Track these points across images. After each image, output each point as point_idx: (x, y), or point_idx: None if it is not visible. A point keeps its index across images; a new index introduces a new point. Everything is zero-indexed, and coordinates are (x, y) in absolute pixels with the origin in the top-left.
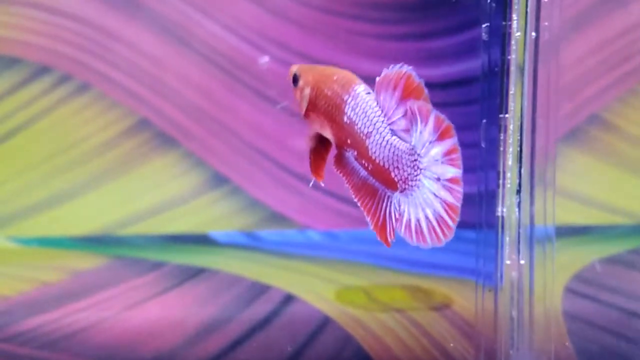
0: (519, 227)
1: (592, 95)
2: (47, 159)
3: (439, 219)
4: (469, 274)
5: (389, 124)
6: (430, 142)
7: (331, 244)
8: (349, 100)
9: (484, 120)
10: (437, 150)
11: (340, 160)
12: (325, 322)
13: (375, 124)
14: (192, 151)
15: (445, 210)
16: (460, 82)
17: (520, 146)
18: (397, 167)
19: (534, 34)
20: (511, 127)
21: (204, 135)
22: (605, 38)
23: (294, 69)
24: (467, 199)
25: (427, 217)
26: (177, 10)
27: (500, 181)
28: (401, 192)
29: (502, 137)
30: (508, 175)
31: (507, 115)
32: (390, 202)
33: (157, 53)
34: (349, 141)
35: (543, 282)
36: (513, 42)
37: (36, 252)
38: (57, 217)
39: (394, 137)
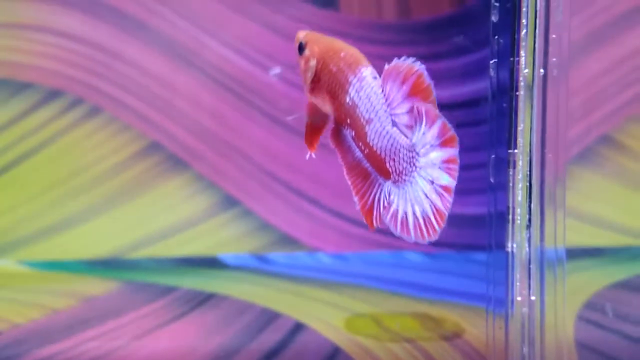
0: (529, 264)
1: (602, 115)
2: (58, 183)
3: (426, 219)
4: (479, 301)
5: (391, 115)
6: (432, 146)
7: (341, 267)
8: (354, 82)
9: (493, 156)
10: (437, 154)
11: (337, 135)
12: (335, 353)
13: (377, 112)
14: (202, 174)
15: (433, 213)
16: (466, 103)
17: (530, 181)
18: (394, 159)
19: (542, 70)
20: (520, 163)
21: (214, 157)
22: (616, 59)
23: (301, 35)
24: (476, 221)
25: (414, 214)
26: (188, 33)
27: (510, 217)
28: (393, 182)
29: (511, 173)
30: (518, 211)
31: (516, 151)
32: (381, 190)
33: (167, 76)
34: (348, 121)
35: (554, 311)
36: (521, 78)
37: (46, 276)
38: (68, 241)
39: (395, 129)
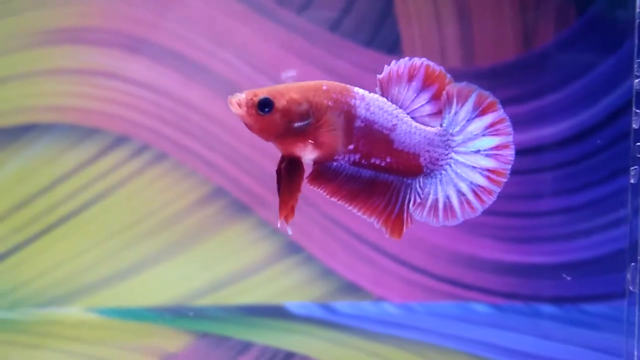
0: None
1: None
2: (124, 229)
3: (477, 189)
4: None
5: (409, 113)
6: (468, 120)
7: (407, 319)
8: (357, 103)
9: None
10: (476, 125)
11: (320, 176)
12: None
13: (397, 116)
14: (266, 219)
15: (487, 177)
16: (530, 150)
17: None
18: (428, 150)
19: None
20: None
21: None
22: None
23: (253, 94)
24: (542, 271)
25: (459, 191)
26: (249, 78)
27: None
28: (426, 175)
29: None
30: None
31: None
32: (410, 189)
33: (230, 122)
34: (351, 147)
35: None
36: None
37: (116, 325)
38: (134, 287)
39: (418, 124)
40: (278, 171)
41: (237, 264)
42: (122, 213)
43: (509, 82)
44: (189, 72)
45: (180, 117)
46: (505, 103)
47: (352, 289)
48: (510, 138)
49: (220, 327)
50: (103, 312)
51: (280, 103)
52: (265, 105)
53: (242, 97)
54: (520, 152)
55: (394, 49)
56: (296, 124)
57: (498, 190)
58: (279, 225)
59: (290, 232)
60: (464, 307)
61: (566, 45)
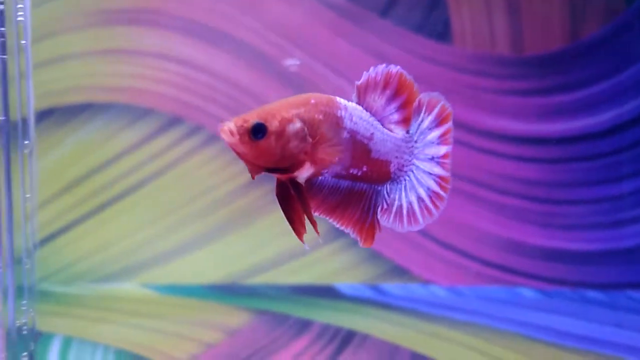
0: None
1: None
2: (176, 208)
3: (432, 195)
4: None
5: (380, 120)
6: (430, 129)
7: (457, 301)
8: (344, 114)
9: None
10: (434, 134)
11: (307, 192)
12: None
13: (373, 125)
14: None
15: (438, 184)
16: (578, 138)
17: None
18: (397, 157)
19: None
20: None
21: None
22: None
23: (243, 120)
24: (591, 258)
25: (419, 197)
26: (304, 63)
27: None
28: (392, 181)
29: None
30: None
31: None
32: (379, 196)
33: None
34: (342, 156)
35: None
36: None
37: (176, 302)
38: (186, 265)
39: (390, 131)
40: (278, 196)
41: (286, 245)
42: (175, 192)
43: (557, 71)
44: (243, 55)
45: (233, 99)
46: (553, 91)
47: (400, 271)
48: (450, 147)
49: (276, 305)
50: (158, 289)
51: (273, 125)
52: (258, 131)
53: (231, 125)
54: (567, 140)
55: (444, 35)
56: (292, 144)
57: (446, 197)
58: (307, 248)
59: (307, 247)
60: (511, 291)
61: (614, 35)
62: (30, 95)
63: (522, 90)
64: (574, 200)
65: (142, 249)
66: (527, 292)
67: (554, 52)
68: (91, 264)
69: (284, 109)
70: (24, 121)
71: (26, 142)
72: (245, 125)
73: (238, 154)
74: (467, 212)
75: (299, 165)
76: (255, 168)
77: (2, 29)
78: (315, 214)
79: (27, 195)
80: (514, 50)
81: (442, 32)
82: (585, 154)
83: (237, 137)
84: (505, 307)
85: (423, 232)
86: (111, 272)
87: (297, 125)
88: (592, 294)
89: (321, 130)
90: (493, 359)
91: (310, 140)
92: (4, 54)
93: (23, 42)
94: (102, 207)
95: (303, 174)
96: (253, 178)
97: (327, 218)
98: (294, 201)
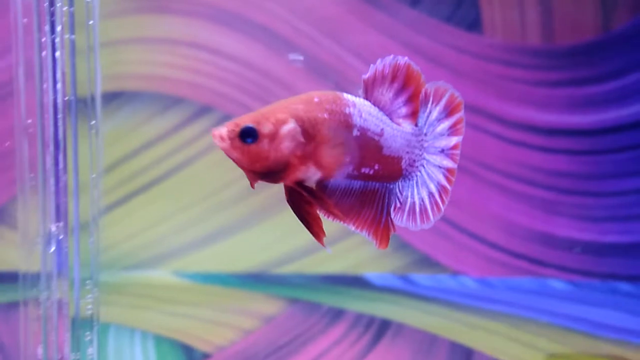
0: None
1: None
2: (206, 196)
3: (441, 190)
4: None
5: (388, 115)
6: (439, 120)
7: (487, 292)
8: (352, 111)
9: None
10: (444, 125)
11: (323, 191)
12: None
13: (383, 120)
14: None
15: (446, 177)
16: (608, 130)
17: None
18: (408, 152)
19: None
20: None
21: None
22: None
23: (235, 124)
24: (620, 250)
25: (430, 193)
26: (333, 54)
27: None
28: (404, 178)
29: None
30: None
31: None
32: (391, 194)
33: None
34: (349, 159)
35: None
36: None
37: (208, 289)
38: (216, 254)
39: (399, 126)
40: (289, 203)
41: None
42: (205, 181)
43: (588, 62)
44: (274, 45)
45: (263, 89)
46: (583, 82)
47: (429, 262)
48: (461, 138)
49: (307, 294)
50: (189, 277)
51: (265, 128)
52: (247, 135)
53: (223, 130)
54: (598, 132)
55: (474, 25)
56: (284, 146)
57: (450, 189)
58: (329, 252)
59: (329, 251)
60: (541, 282)
61: None
62: (97, 76)
63: (553, 81)
64: (604, 192)
65: (173, 236)
66: (557, 284)
67: (585, 42)
68: (121, 251)
69: (281, 110)
70: (92, 100)
71: (92, 122)
72: (236, 129)
73: (232, 159)
74: (497, 203)
75: (294, 168)
76: (252, 175)
77: (72, 8)
78: (329, 219)
79: (93, 176)
80: (545, 41)
81: (472, 22)
82: (615, 146)
83: (228, 142)
84: (536, 298)
85: (451, 223)
86: (142, 259)
87: (291, 125)
88: (621, 285)
89: (324, 130)
90: (532, 348)
91: (306, 141)
92: (72, 34)
93: (91, 22)
94: (132, 195)
95: (309, 177)
96: (252, 187)
97: (341, 222)
98: (309, 206)
